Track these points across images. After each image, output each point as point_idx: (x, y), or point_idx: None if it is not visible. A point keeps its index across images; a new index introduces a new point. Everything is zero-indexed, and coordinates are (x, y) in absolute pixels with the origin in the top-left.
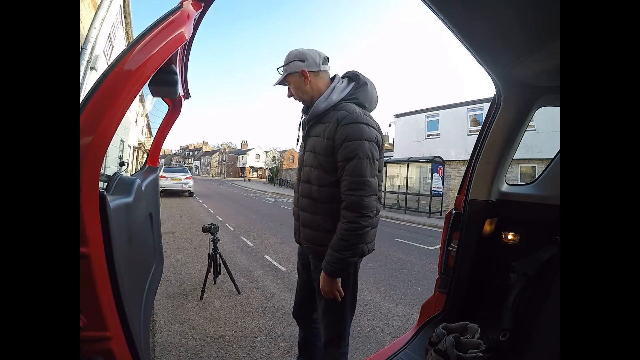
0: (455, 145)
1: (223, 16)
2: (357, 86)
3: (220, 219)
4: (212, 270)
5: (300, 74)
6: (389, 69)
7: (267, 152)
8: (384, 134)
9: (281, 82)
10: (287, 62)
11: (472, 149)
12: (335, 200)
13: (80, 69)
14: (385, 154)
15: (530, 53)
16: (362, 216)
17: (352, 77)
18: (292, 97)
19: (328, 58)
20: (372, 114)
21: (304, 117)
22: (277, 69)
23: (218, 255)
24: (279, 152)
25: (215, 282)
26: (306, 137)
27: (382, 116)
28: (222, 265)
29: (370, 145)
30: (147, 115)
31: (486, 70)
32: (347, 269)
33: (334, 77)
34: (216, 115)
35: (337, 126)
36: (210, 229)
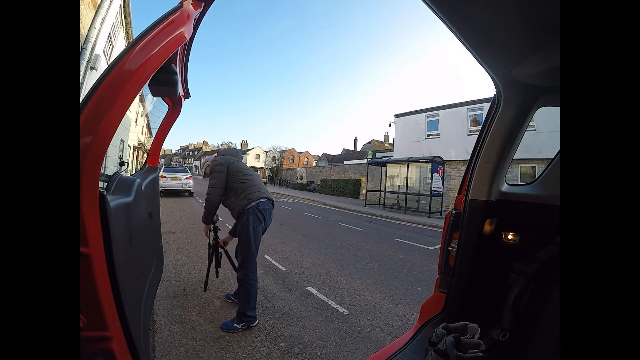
0: (455, 145)
1: (221, 15)
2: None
3: (221, 219)
4: (213, 260)
5: (208, 166)
6: (389, 68)
7: (267, 152)
8: (234, 159)
9: (205, 174)
10: (203, 165)
11: (472, 149)
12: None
13: (80, 69)
14: (385, 154)
15: (530, 53)
16: (207, 194)
17: (219, 152)
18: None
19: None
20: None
21: None
22: (202, 172)
23: (219, 244)
24: (279, 152)
25: (217, 276)
26: None
27: (382, 116)
28: (225, 254)
29: (213, 168)
30: (147, 115)
31: (486, 70)
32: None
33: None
34: (216, 115)
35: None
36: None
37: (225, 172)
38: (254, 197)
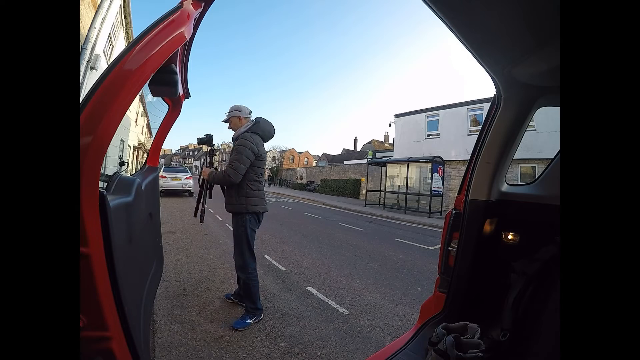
0: (455, 145)
1: (221, 16)
2: (254, 124)
3: (221, 219)
4: (206, 191)
5: (238, 118)
6: (389, 68)
7: (267, 151)
8: (264, 150)
9: (226, 120)
10: (232, 111)
11: (472, 149)
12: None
13: (80, 69)
14: (385, 154)
15: (530, 53)
16: (227, 171)
17: (255, 120)
18: (230, 127)
19: (251, 111)
20: (272, 140)
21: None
22: (226, 113)
23: (214, 170)
24: (279, 152)
25: (210, 197)
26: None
27: (382, 116)
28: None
29: (244, 149)
30: (147, 115)
31: (486, 70)
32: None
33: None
34: (216, 115)
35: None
36: (207, 140)
37: (252, 160)
38: (250, 209)
